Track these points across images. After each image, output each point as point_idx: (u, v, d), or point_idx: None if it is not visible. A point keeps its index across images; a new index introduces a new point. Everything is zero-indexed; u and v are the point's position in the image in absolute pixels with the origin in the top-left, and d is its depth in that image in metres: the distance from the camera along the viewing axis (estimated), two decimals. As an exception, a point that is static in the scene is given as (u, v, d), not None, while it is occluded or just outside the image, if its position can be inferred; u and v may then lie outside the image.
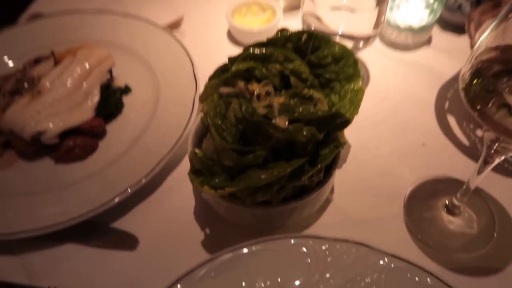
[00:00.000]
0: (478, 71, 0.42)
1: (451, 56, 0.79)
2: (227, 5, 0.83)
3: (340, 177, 0.62)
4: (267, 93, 0.49)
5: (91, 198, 0.57)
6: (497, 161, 0.47)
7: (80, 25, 0.82)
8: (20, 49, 0.78)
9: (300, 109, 0.47)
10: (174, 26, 0.85)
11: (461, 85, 0.42)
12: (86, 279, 0.53)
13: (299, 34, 0.54)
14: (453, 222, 0.57)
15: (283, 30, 0.55)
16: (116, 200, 0.56)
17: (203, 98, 0.53)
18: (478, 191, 0.60)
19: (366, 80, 0.76)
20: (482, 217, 0.57)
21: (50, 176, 0.62)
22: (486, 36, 0.40)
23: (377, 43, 0.82)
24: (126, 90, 0.73)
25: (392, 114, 0.71)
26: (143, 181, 0.58)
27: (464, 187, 0.54)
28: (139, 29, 0.81)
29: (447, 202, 0.57)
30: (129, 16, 0.83)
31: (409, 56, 0.80)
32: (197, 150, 0.49)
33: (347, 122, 0.49)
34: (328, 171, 0.52)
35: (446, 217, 0.57)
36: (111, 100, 0.68)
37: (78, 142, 0.63)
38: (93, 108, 0.66)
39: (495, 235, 0.56)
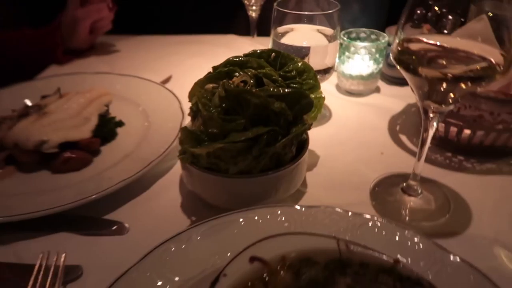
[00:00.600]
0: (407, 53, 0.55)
1: (398, 99, 0.94)
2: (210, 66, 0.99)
3: (312, 178, 0.70)
4: (245, 83, 0.60)
5: (84, 192, 0.62)
6: (431, 132, 0.58)
7: (81, 82, 0.95)
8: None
9: (272, 89, 0.58)
10: (163, 83, 0.99)
11: (392, 58, 0.55)
12: (75, 261, 0.55)
13: (268, 52, 0.68)
14: (413, 201, 0.64)
15: (254, 50, 0.69)
16: (108, 190, 0.61)
17: (191, 95, 0.64)
18: (432, 181, 0.68)
19: (329, 116, 0.89)
20: (438, 197, 0.65)
21: (46, 181, 0.67)
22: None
23: (335, 92, 0.98)
24: (120, 123, 0.82)
25: (353, 136, 0.82)
26: (136, 175, 0.64)
27: (413, 170, 0.63)
28: (133, 82, 0.94)
29: (404, 184, 0.65)
30: (124, 75, 0.97)
31: (363, 99, 0.95)
32: (186, 129, 0.58)
33: (311, 104, 0.59)
34: (300, 152, 0.61)
35: (407, 198, 0.64)
36: (107, 125, 0.77)
37: (75, 154, 0.70)
38: (91, 129, 0.74)
39: (451, 208, 0.63)
